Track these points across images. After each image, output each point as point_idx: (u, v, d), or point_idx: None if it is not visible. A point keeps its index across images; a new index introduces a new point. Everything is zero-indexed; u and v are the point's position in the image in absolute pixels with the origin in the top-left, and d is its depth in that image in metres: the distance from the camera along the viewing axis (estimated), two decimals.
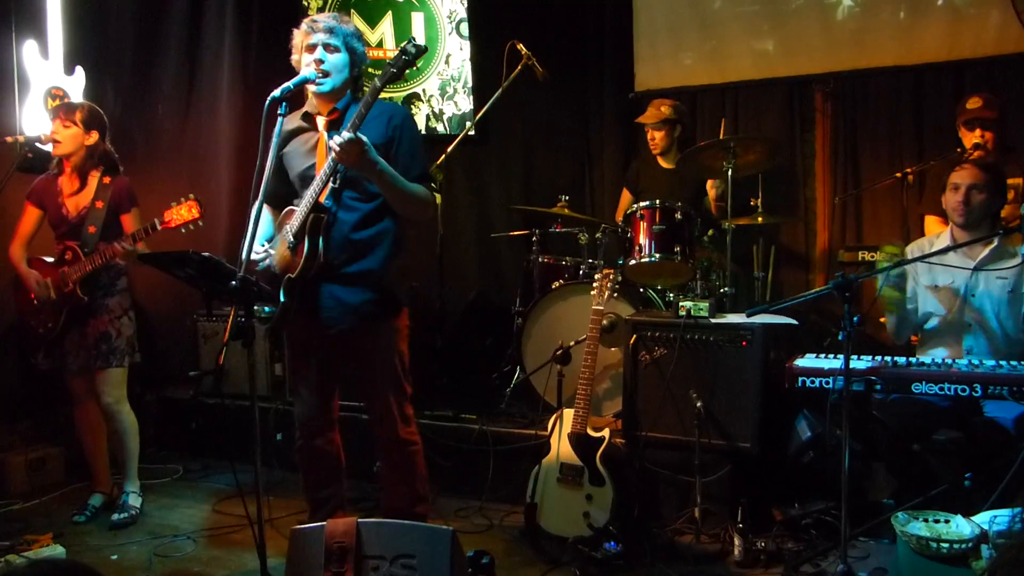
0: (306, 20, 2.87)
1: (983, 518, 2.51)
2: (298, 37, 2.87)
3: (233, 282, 2.38)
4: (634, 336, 3.58)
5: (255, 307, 2.60)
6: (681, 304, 3.50)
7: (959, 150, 3.84)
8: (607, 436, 3.36)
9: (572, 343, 3.66)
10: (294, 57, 2.90)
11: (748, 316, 3.21)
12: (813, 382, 2.89)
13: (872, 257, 3.95)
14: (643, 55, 5.24)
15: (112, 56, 4.82)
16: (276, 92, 2.61)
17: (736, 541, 3.14)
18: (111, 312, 3.64)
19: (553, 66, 4.45)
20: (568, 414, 3.43)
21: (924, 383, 2.76)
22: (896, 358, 2.94)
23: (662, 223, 3.92)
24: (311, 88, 2.82)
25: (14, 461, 4.12)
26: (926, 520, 2.60)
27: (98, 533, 3.61)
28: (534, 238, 4.59)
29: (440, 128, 5.43)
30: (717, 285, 4.09)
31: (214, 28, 5.07)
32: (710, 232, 4.44)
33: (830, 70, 4.76)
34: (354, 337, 2.90)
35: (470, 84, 5.35)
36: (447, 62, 5.35)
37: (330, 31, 2.81)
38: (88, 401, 3.76)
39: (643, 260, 3.93)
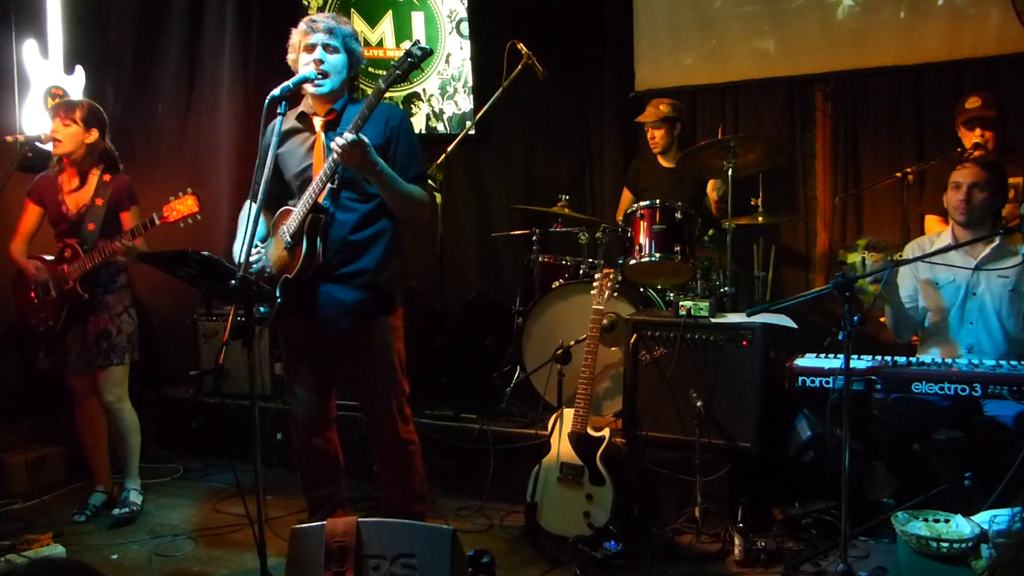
0: (305, 19, 2.86)
1: (983, 518, 2.51)
2: (296, 36, 2.87)
3: (233, 281, 2.38)
4: (634, 336, 3.58)
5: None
6: (681, 304, 3.50)
7: (959, 150, 3.84)
8: (607, 436, 3.36)
9: (572, 342, 3.66)
10: (291, 56, 2.90)
11: (748, 316, 3.22)
12: (813, 382, 2.89)
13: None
14: (643, 55, 5.24)
15: (112, 55, 4.82)
16: (276, 91, 2.61)
17: (736, 541, 3.14)
18: (111, 310, 3.64)
19: (553, 66, 4.45)
20: (568, 413, 3.43)
21: (924, 383, 2.76)
22: (896, 358, 2.94)
23: (662, 223, 3.92)
24: (309, 88, 2.82)
25: (14, 460, 4.12)
26: (926, 520, 2.61)
27: (98, 533, 3.61)
28: (534, 237, 4.59)
29: (440, 128, 5.44)
30: (717, 285, 4.08)
31: (214, 28, 5.06)
32: (710, 232, 4.45)
33: (830, 70, 4.76)
34: (351, 336, 2.90)
35: (470, 83, 5.35)
36: (447, 61, 5.35)
37: (330, 32, 2.81)
38: (89, 400, 3.76)
39: (643, 260, 3.93)
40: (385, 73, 2.68)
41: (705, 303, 3.47)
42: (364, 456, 3.30)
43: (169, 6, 4.99)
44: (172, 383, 4.79)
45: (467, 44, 5.33)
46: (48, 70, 4.37)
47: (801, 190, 4.91)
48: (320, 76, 2.79)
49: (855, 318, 2.64)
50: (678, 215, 3.91)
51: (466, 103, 5.37)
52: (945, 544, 2.46)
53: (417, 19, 5.36)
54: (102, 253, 3.50)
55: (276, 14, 5.09)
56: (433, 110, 5.44)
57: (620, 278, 3.76)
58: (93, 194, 3.61)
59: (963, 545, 2.44)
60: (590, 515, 3.27)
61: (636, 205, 4.01)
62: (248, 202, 3.08)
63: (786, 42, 4.89)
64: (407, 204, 2.86)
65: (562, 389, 3.58)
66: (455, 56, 5.36)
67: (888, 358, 2.93)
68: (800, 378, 2.92)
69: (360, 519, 2.38)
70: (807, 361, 2.99)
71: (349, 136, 2.58)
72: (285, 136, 2.91)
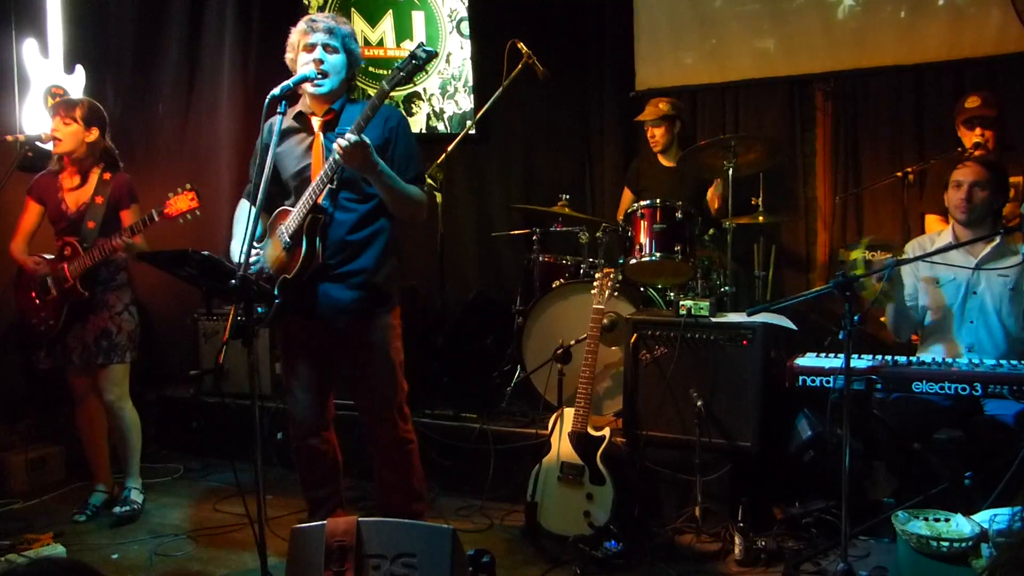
0: (305, 19, 2.87)
1: (983, 517, 2.51)
2: (295, 36, 2.87)
3: (233, 281, 2.38)
4: (635, 335, 3.58)
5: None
6: (682, 303, 3.50)
7: (959, 149, 3.84)
8: (608, 435, 3.36)
9: (573, 342, 3.66)
10: (289, 56, 2.90)
11: (749, 315, 3.22)
12: (814, 381, 2.89)
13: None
14: (643, 54, 5.24)
15: (112, 55, 4.82)
16: (276, 90, 2.61)
17: (737, 540, 3.14)
18: (111, 308, 3.64)
19: (553, 65, 4.45)
20: (569, 413, 3.43)
21: (924, 382, 2.76)
22: (896, 357, 2.94)
23: (663, 222, 3.92)
24: (308, 88, 2.82)
25: (15, 460, 4.12)
26: (926, 519, 2.60)
27: (99, 532, 3.61)
28: (534, 237, 4.59)
29: (440, 127, 5.44)
30: (718, 284, 4.09)
31: (214, 27, 5.06)
32: (711, 231, 4.45)
33: (831, 69, 4.76)
34: (350, 335, 2.91)
35: (471, 83, 5.35)
36: (448, 61, 5.35)
37: (330, 32, 2.81)
38: (90, 399, 3.76)
39: (644, 259, 3.93)
40: (388, 74, 2.68)
41: (705, 303, 3.47)
42: (364, 456, 3.30)
43: (169, 6, 4.99)
44: (172, 382, 4.79)
45: (467, 43, 5.33)
46: (48, 69, 4.36)
47: (801, 190, 4.91)
48: (320, 76, 2.79)
49: (855, 317, 2.64)
50: (678, 214, 3.91)
51: (466, 102, 5.37)
52: (945, 543, 2.46)
53: (417, 18, 5.36)
54: (102, 251, 3.50)
55: (276, 14, 5.09)
56: (433, 109, 5.44)
57: (620, 277, 3.76)
58: (93, 192, 3.61)
59: (963, 544, 2.44)
60: (590, 514, 3.27)
61: (636, 204, 4.01)
62: (243, 201, 3.09)
63: (786, 42, 4.89)
64: (406, 204, 2.86)
65: (562, 388, 3.58)
66: (455, 55, 5.36)
67: (888, 357, 2.93)
68: (800, 377, 2.91)
69: (360, 519, 2.38)
70: (807, 360, 2.99)
71: (352, 137, 2.58)
72: (282, 136, 2.90)
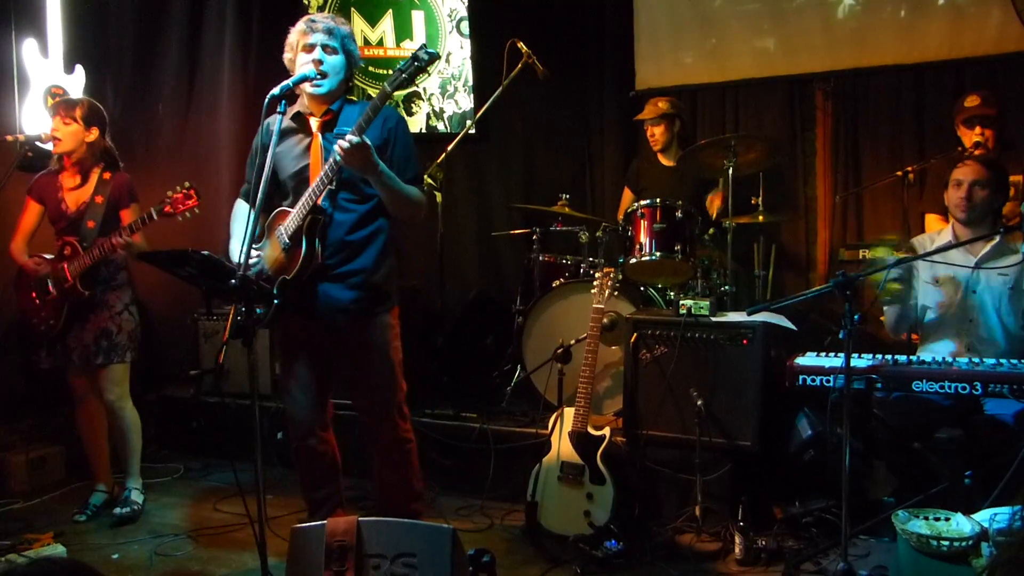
0: (304, 19, 2.87)
1: (983, 516, 2.51)
2: (294, 36, 2.87)
3: (233, 281, 2.38)
4: (635, 334, 3.58)
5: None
6: (682, 302, 3.50)
7: (959, 148, 3.84)
8: (608, 434, 3.36)
9: (573, 341, 3.66)
10: (287, 55, 2.90)
11: (749, 314, 3.22)
12: (814, 380, 2.89)
13: (869, 255, 3.95)
14: (644, 53, 5.23)
15: (112, 55, 4.82)
16: (275, 90, 2.61)
17: (737, 539, 3.14)
18: (112, 307, 3.64)
19: (553, 64, 4.45)
20: (569, 412, 3.43)
21: (924, 381, 2.76)
22: (896, 356, 2.94)
23: (663, 221, 3.92)
24: (307, 88, 2.82)
25: (15, 460, 4.12)
26: (927, 518, 2.60)
27: (99, 532, 3.61)
28: (535, 236, 4.59)
29: (440, 127, 5.43)
30: (718, 283, 4.08)
31: (214, 27, 5.07)
32: (710, 230, 4.44)
33: (831, 68, 4.75)
34: (349, 335, 2.91)
35: (470, 82, 5.35)
36: (447, 60, 5.35)
37: (329, 32, 2.82)
38: (90, 398, 3.76)
39: (644, 259, 3.93)
40: (390, 75, 2.67)
41: (705, 302, 3.47)
42: (364, 455, 3.30)
43: (169, 6, 5.00)
44: (172, 382, 4.79)
45: (467, 43, 5.33)
46: (48, 69, 4.37)
47: (801, 189, 4.90)
48: (319, 76, 2.79)
49: (855, 317, 2.64)
50: (678, 214, 3.91)
51: (466, 102, 5.37)
52: (946, 543, 2.46)
53: (417, 18, 5.36)
54: (101, 250, 3.50)
55: (276, 14, 5.09)
56: (433, 109, 5.44)
57: (620, 277, 3.76)
58: (93, 192, 3.61)
59: (964, 543, 2.44)
60: (590, 514, 3.27)
61: (636, 204, 4.02)
62: (239, 201, 3.09)
63: (786, 41, 4.88)
64: (405, 204, 2.87)
65: (562, 388, 3.58)
66: (455, 55, 5.36)
67: (888, 357, 2.93)
68: (800, 377, 2.91)
69: (360, 518, 2.38)
70: (808, 360, 2.99)
71: (354, 138, 2.58)
72: (280, 136, 2.90)
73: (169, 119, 5.06)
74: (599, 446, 3.34)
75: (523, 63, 4.29)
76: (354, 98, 3.03)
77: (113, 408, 3.70)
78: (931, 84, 4.56)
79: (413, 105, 5.42)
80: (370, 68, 5.34)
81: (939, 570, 2.46)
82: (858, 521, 3.06)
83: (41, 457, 4.22)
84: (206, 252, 2.47)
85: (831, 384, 2.85)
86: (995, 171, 3.21)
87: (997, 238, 3.17)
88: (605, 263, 4.09)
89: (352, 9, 5.32)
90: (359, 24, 5.32)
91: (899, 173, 4.09)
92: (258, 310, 2.66)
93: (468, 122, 4.88)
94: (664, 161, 4.71)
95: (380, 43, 5.36)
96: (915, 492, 2.92)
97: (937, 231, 3.45)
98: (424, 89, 5.41)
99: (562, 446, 3.40)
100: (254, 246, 2.83)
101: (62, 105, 3.61)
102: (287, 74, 2.85)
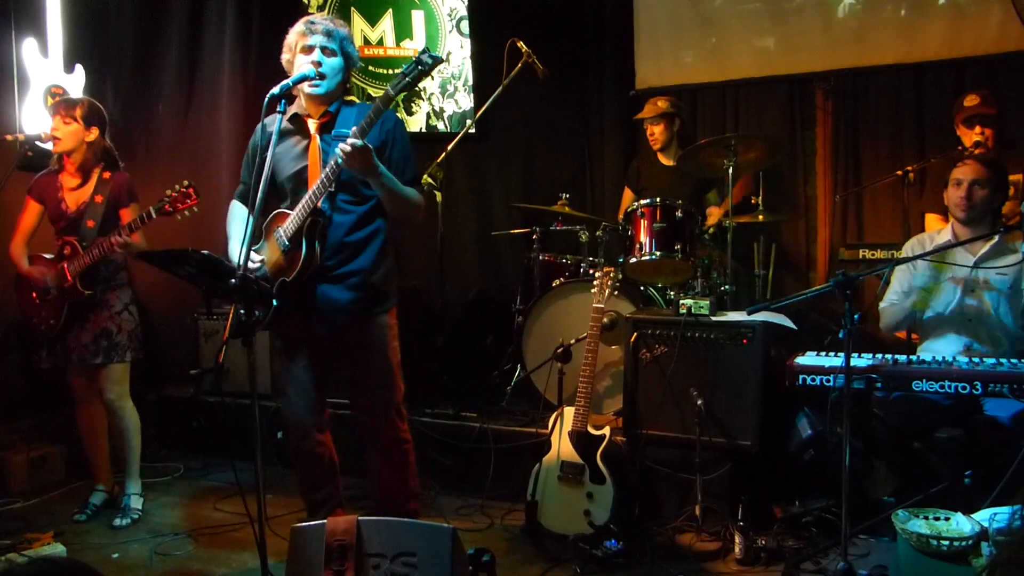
0: (303, 21, 2.87)
1: (983, 515, 2.51)
2: (293, 37, 2.87)
3: (233, 280, 2.38)
4: (635, 334, 3.58)
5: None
6: (682, 302, 3.50)
7: (960, 148, 3.84)
8: (608, 434, 3.36)
9: (573, 341, 3.66)
10: (285, 57, 2.91)
11: (749, 314, 3.21)
12: (814, 380, 2.89)
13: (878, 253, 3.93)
14: (644, 53, 5.23)
15: (112, 55, 4.82)
16: (275, 89, 2.61)
17: (737, 539, 3.14)
18: (111, 307, 3.64)
19: (553, 64, 4.44)
20: (569, 412, 3.43)
21: (924, 381, 2.76)
22: (896, 356, 2.94)
23: (663, 221, 3.92)
24: (306, 89, 2.82)
25: (15, 459, 4.12)
26: (926, 518, 2.60)
27: (99, 532, 3.61)
28: (535, 236, 4.59)
29: (440, 126, 5.43)
30: (718, 283, 4.08)
31: (214, 27, 5.06)
32: (710, 230, 4.44)
33: (831, 68, 4.75)
34: (348, 335, 2.91)
35: (470, 82, 5.35)
36: (447, 60, 5.35)
37: (328, 34, 2.82)
38: (90, 398, 3.76)
39: (644, 258, 3.93)
40: (394, 78, 2.67)
41: (705, 301, 3.47)
42: (363, 455, 3.31)
43: (169, 6, 5.00)
44: (172, 382, 4.79)
45: (467, 42, 5.33)
46: (48, 69, 4.37)
47: (801, 188, 4.90)
48: (318, 77, 2.79)
49: (855, 316, 2.64)
50: (678, 213, 3.91)
51: (466, 101, 5.37)
52: (946, 542, 2.46)
53: (417, 17, 5.36)
54: (100, 249, 3.49)
55: (276, 14, 5.09)
56: (433, 108, 5.44)
57: (620, 276, 3.76)
58: (93, 191, 3.61)
59: (964, 543, 2.44)
60: (590, 513, 3.27)
61: (636, 203, 4.02)
62: (235, 202, 3.10)
63: (787, 40, 4.88)
64: (404, 206, 2.88)
65: (562, 387, 3.58)
66: (455, 54, 5.36)
67: (888, 356, 2.93)
68: (801, 376, 2.91)
69: (360, 517, 2.38)
70: (808, 359, 2.99)
71: (357, 141, 2.59)
72: (278, 138, 2.90)
73: (169, 119, 5.06)
74: (599, 445, 3.34)
75: (523, 62, 4.29)
76: (355, 98, 3.04)
77: (113, 408, 3.70)
78: (931, 83, 4.56)
79: (413, 104, 5.42)
80: (370, 67, 5.34)
81: (939, 569, 2.46)
82: (858, 521, 3.06)
83: (41, 457, 4.22)
84: (206, 251, 2.47)
85: (831, 384, 2.84)
86: (995, 170, 3.21)
87: (996, 237, 3.17)
88: (605, 262, 4.09)
89: (352, 8, 5.32)
90: (359, 23, 5.32)
91: (899, 172, 4.09)
92: (256, 312, 2.66)
93: (468, 121, 4.88)
94: (664, 160, 4.71)
95: (380, 42, 5.36)
96: (915, 492, 2.91)
97: (937, 230, 3.45)
98: (424, 88, 5.41)
99: (562, 445, 3.40)
100: (252, 248, 2.83)
101: (62, 104, 3.61)
102: (287, 74, 2.85)
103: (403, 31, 5.36)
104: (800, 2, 4.82)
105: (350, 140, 2.59)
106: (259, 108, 2.68)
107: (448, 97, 5.41)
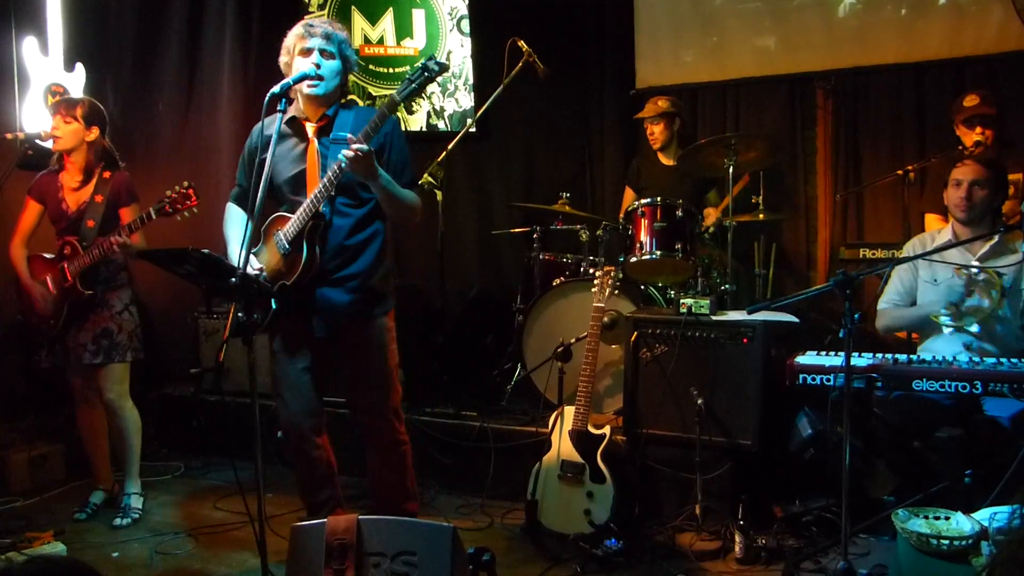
0: (302, 23, 2.88)
1: (983, 515, 2.51)
2: (291, 39, 2.88)
3: (233, 279, 2.38)
4: (635, 333, 3.58)
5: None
6: (682, 301, 3.50)
7: (960, 148, 3.84)
8: (608, 433, 3.36)
9: (573, 340, 3.66)
10: (283, 59, 2.91)
11: (749, 313, 3.22)
12: (814, 379, 2.89)
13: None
14: (644, 52, 5.23)
15: (112, 53, 4.82)
16: (276, 88, 2.61)
17: (737, 538, 3.14)
18: (112, 307, 3.64)
19: (554, 63, 4.45)
20: (569, 411, 3.43)
21: (925, 380, 2.75)
22: (897, 355, 2.93)
23: (663, 220, 3.92)
24: (305, 89, 2.82)
25: (16, 458, 4.12)
26: (926, 517, 2.60)
27: (99, 530, 3.61)
28: (535, 235, 4.59)
29: (441, 125, 5.43)
30: (718, 282, 4.08)
31: (214, 26, 5.06)
32: (711, 229, 4.44)
33: (831, 67, 4.76)
34: (348, 336, 2.92)
35: (471, 81, 5.35)
36: (448, 59, 5.34)
37: (327, 37, 2.83)
38: (90, 398, 3.76)
39: (644, 257, 3.93)
40: (400, 84, 2.68)
41: (706, 301, 3.47)
42: (362, 454, 3.31)
43: (169, 5, 4.99)
44: (173, 381, 4.79)
45: (468, 41, 5.33)
46: (48, 67, 4.36)
47: (802, 188, 4.91)
48: (317, 79, 2.79)
49: (856, 316, 2.63)
50: (679, 213, 3.91)
51: (467, 100, 5.37)
52: (945, 541, 2.46)
53: (418, 16, 5.36)
54: (100, 249, 3.49)
55: (276, 14, 5.09)
56: (434, 108, 5.44)
57: (621, 276, 3.76)
58: (93, 191, 3.61)
59: (964, 542, 2.44)
60: (591, 513, 3.27)
61: (637, 203, 4.02)
62: (230, 205, 3.10)
63: (787, 40, 4.88)
64: (402, 209, 2.89)
65: (563, 387, 3.58)
66: (456, 53, 5.35)
67: (889, 356, 2.93)
68: (801, 376, 2.91)
69: (361, 516, 2.38)
70: (808, 359, 2.99)
71: (363, 146, 2.59)
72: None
73: (169, 118, 5.06)
74: (599, 445, 3.34)
75: (524, 62, 4.29)
76: (355, 97, 3.04)
77: (113, 407, 3.70)
78: (932, 83, 4.57)
79: (414, 103, 5.41)
80: (370, 66, 5.33)
81: (939, 569, 2.46)
82: (858, 520, 3.06)
83: (42, 456, 4.22)
84: (206, 250, 2.47)
85: (831, 383, 2.84)
86: (995, 171, 3.21)
87: (996, 237, 3.17)
88: (605, 262, 4.09)
89: (352, 7, 5.31)
90: (359, 22, 5.32)
91: (899, 172, 4.09)
92: (255, 315, 2.66)
93: (469, 120, 4.88)
94: (664, 160, 4.71)
95: (380, 41, 5.36)
96: (915, 491, 2.91)
97: (937, 230, 3.45)
98: None
99: (562, 445, 3.40)
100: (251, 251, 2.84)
101: (63, 104, 3.62)
102: (285, 76, 2.85)
103: (403, 30, 5.36)
104: (800, 1, 4.82)
105: (355, 145, 2.59)
106: (259, 108, 2.68)
107: (448, 96, 5.41)
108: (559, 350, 3.62)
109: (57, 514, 3.77)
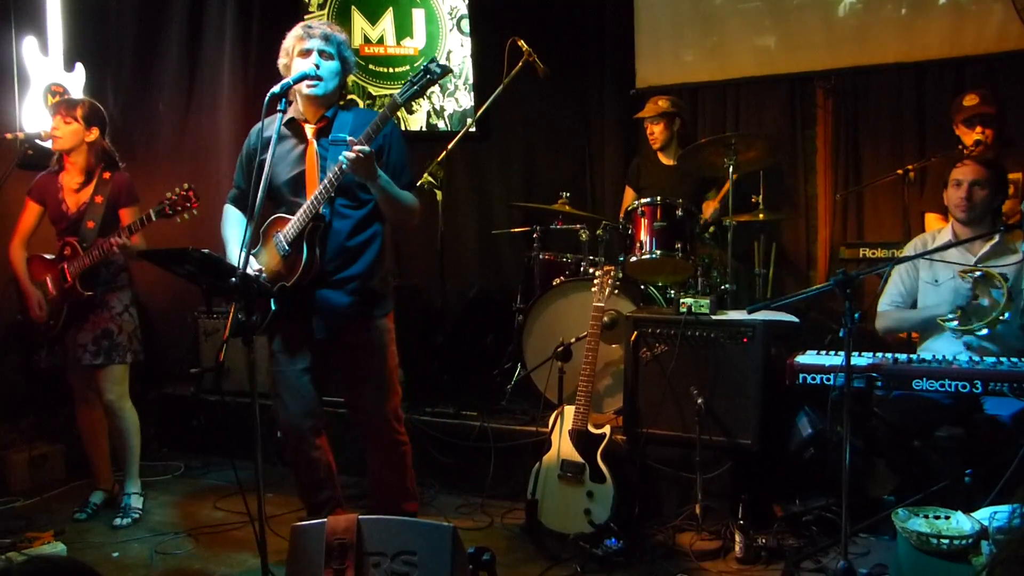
0: (301, 25, 2.89)
1: (983, 514, 2.51)
2: (290, 41, 2.88)
3: (233, 279, 2.38)
4: (635, 333, 3.58)
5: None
6: (682, 301, 3.50)
7: (960, 147, 3.84)
8: (608, 433, 3.36)
9: (573, 340, 3.66)
10: (282, 61, 2.91)
11: (749, 313, 3.22)
12: (814, 379, 2.89)
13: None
14: (644, 52, 5.23)
15: (112, 53, 4.82)
16: (276, 88, 2.61)
17: (737, 538, 3.14)
18: (112, 308, 3.64)
19: (554, 63, 4.45)
20: (569, 411, 3.43)
21: (925, 379, 2.75)
22: (897, 355, 2.93)
23: (663, 220, 3.92)
24: (304, 89, 2.83)
25: (16, 458, 4.12)
26: (927, 516, 2.60)
27: (99, 530, 3.61)
28: (535, 235, 4.59)
29: (441, 125, 5.43)
30: (718, 282, 4.08)
31: (214, 25, 5.06)
32: (711, 228, 4.44)
33: (832, 67, 4.76)
34: (348, 337, 2.92)
35: (471, 80, 5.35)
36: (448, 58, 5.35)
37: (326, 38, 2.84)
38: (90, 398, 3.76)
39: (644, 257, 3.93)
40: (402, 86, 2.68)
41: (706, 300, 3.47)
42: (362, 454, 3.31)
43: (169, 5, 4.99)
44: (173, 381, 4.79)
45: (468, 41, 5.33)
46: (48, 67, 4.36)
47: (802, 187, 4.91)
48: (317, 79, 2.80)
49: (856, 315, 2.63)
50: (679, 212, 3.91)
51: (467, 100, 5.37)
52: (946, 541, 2.46)
53: (418, 16, 5.36)
54: (100, 250, 3.49)
55: (276, 14, 5.09)
56: (434, 107, 5.44)
57: (621, 275, 3.76)
58: (93, 192, 3.61)
59: (964, 542, 2.44)
60: (591, 512, 3.27)
61: (637, 202, 4.02)
62: (228, 206, 3.10)
63: (787, 39, 4.88)
64: (401, 210, 2.90)
65: (563, 386, 3.58)
66: (456, 53, 5.35)
67: (889, 355, 2.93)
68: (801, 375, 2.91)
69: (361, 516, 2.38)
70: (808, 358, 2.99)
71: (365, 148, 2.60)
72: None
73: (169, 119, 5.05)
74: (599, 444, 3.34)
75: (524, 61, 4.29)
76: (355, 97, 3.04)
77: (112, 408, 3.70)
78: (932, 82, 4.56)
79: (413, 103, 5.41)
80: (370, 66, 5.33)
81: (939, 568, 2.46)
82: (858, 519, 3.06)
83: (42, 456, 4.22)
84: (206, 250, 2.47)
85: (831, 382, 2.84)
86: (994, 170, 3.21)
87: (997, 237, 3.17)
88: (605, 261, 4.09)
89: (352, 7, 5.31)
90: (359, 22, 5.31)
91: (899, 171, 4.10)
92: (254, 317, 2.66)
93: (468, 120, 4.88)
94: (664, 160, 4.71)
95: (380, 41, 5.36)
96: (915, 490, 2.91)
97: (937, 230, 3.45)
98: None
99: (562, 444, 3.40)
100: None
101: (63, 104, 3.62)
102: (285, 78, 2.85)
103: (403, 30, 5.35)
104: (800, 1, 4.82)
105: (357, 147, 2.59)
106: (259, 108, 2.68)
107: (448, 96, 5.41)
108: (559, 350, 3.62)
109: (57, 514, 3.77)
